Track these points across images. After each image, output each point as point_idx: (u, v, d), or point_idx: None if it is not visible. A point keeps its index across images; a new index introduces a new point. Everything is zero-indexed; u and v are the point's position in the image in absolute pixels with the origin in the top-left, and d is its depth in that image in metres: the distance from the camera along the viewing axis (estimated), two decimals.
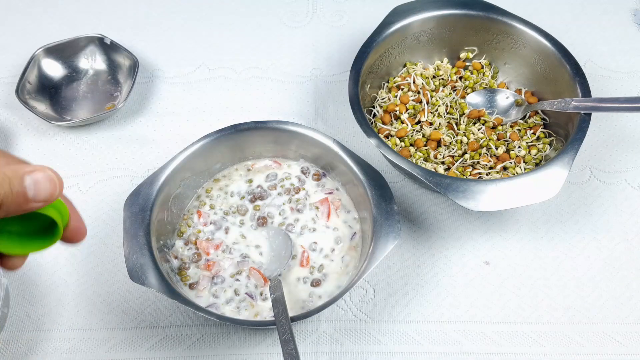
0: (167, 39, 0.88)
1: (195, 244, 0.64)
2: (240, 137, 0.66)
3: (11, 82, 0.81)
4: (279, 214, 0.66)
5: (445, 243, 0.68)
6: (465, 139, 0.70)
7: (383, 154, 0.63)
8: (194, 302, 0.56)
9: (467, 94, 0.75)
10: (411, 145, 0.71)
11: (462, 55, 0.79)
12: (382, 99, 0.75)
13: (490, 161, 0.69)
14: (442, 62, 0.79)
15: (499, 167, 0.68)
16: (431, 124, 0.72)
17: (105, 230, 0.69)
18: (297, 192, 0.68)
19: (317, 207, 0.66)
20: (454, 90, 0.76)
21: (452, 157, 0.70)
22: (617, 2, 0.92)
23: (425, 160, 0.69)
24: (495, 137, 0.71)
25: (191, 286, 0.61)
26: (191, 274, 0.62)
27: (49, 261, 0.66)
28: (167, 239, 0.63)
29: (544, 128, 0.72)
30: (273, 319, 0.56)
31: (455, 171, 0.68)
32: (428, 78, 0.77)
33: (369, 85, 0.73)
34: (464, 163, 0.69)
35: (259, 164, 0.70)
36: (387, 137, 0.72)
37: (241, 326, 0.61)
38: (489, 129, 0.72)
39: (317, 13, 0.91)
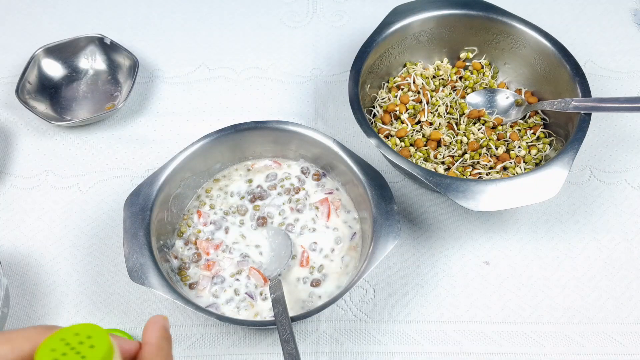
0: (167, 39, 0.88)
1: (195, 244, 0.64)
2: (240, 137, 0.66)
3: (11, 82, 0.81)
4: (279, 214, 0.66)
5: (445, 243, 0.68)
6: (465, 139, 0.70)
7: (383, 154, 0.63)
8: (194, 302, 0.56)
9: (467, 94, 0.75)
10: (411, 145, 0.71)
11: (462, 55, 0.79)
12: (382, 99, 0.75)
13: (490, 161, 0.69)
14: (442, 62, 0.79)
15: (499, 167, 0.68)
16: (431, 124, 0.72)
17: (105, 230, 0.69)
18: (297, 192, 0.68)
19: (317, 207, 0.66)
20: (454, 90, 0.76)
21: (452, 157, 0.70)
22: (617, 2, 0.92)
23: (425, 160, 0.69)
24: (495, 137, 0.71)
25: (191, 286, 0.61)
26: (191, 274, 0.62)
27: (49, 261, 0.66)
28: (167, 239, 0.63)
29: (544, 128, 0.72)
30: (273, 318, 0.56)
31: (455, 171, 0.68)
32: (428, 78, 0.77)
33: (369, 85, 0.73)
34: (464, 163, 0.69)
35: (258, 164, 0.70)
36: (387, 137, 0.72)
37: (241, 326, 0.61)
38: (489, 129, 0.72)
39: (317, 13, 0.91)
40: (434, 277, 0.65)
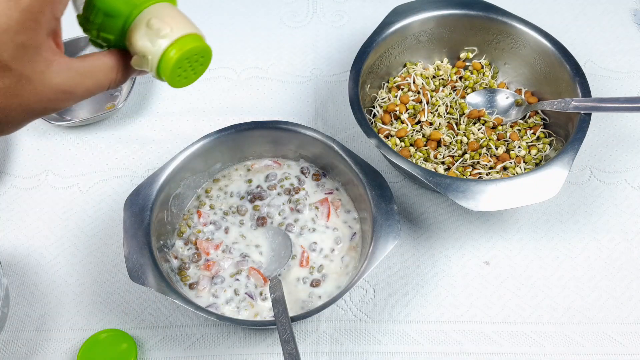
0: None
1: (195, 244, 0.64)
2: (240, 137, 0.66)
3: None
4: (279, 214, 0.66)
5: (445, 243, 0.68)
6: (465, 139, 0.70)
7: (383, 154, 0.63)
8: (194, 302, 0.56)
9: (467, 94, 0.75)
10: (411, 145, 0.71)
11: (462, 55, 0.79)
12: (382, 99, 0.75)
13: (490, 161, 0.69)
14: (442, 62, 0.79)
15: (499, 167, 0.68)
16: (431, 124, 0.72)
17: (105, 230, 0.69)
18: (296, 192, 0.68)
19: (316, 207, 0.66)
20: (454, 90, 0.76)
21: (452, 157, 0.70)
22: (617, 2, 0.92)
23: (425, 160, 0.69)
24: (495, 137, 0.71)
25: (191, 286, 0.61)
26: (191, 274, 0.62)
27: (49, 261, 0.67)
28: (167, 239, 0.63)
29: (544, 128, 0.72)
30: (273, 319, 0.56)
31: (455, 171, 0.68)
32: (428, 78, 0.77)
33: (369, 85, 0.73)
34: (464, 163, 0.69)
35: (258, 164, 0.70)
36: (387, 137, 0.72)
37: (241, 326, 0.61)
38: (489, 129, 0.72)
39: (317, 13, 0.91)
40: (434, 277, 0.65)
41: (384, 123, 0.73)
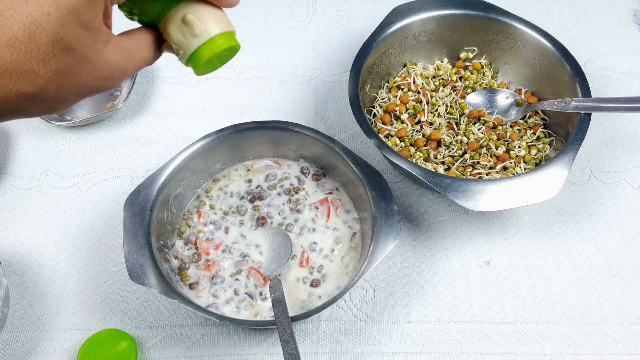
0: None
1: (195, 244, 0.64)
2: (240, 137, 0.66)
3: None
4: (279, 214, 0.66)
5: (445, 243, 0.68)
6: (465, 139, 0.70)
7: (383, 154, 0.63)
8: (194, 302, 0.56)
9: (467, 94, 0.75)
10: (411, 145, 0.71)
11: (462, 55, 0.79)
12: (382, 99, 0.75)
13: (490, 161, 0.69)
14: (442, 62, 0.79)
15: (499, 167, 0.68)
16: (431, 124, 0.72)
17: (105, 230, 0.69)
18: (296, 192, 0.68)
19: (316, 207, 0.66)
20: (454, 90, 0.76)
21: (452, 157, 0.70)
22: (617, 2, 0.92)
23: (425, 160, 0.69)
24: (495, 137, 0.71)
25: (191, 286, 0.61)
26: (191, 274, 0.62)
27: (49, 261, 0.67)
28: (167, 239, 0.63)
29: (544, 128, 0.72)
30: (273, 319, 0.56)
31: (455, 171, 0.68)
32: (428, 78, 0.77)
33: (369, 85, 0.73)
34: (464, 163, 0.69)
35: (258, 164, 0.70)
36: (387, 137, 0.72)
37: (241, 326, 0.61)
38: (489, 129, 0.72)
39: (317, 13, 0.91)
40: (434, 277, 0.65)
41: (384, 123, 0.73)
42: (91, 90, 0.36)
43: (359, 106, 0.65)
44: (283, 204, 0.67)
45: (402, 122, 0.73)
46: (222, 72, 0.83)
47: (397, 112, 0.73)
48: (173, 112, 0.79)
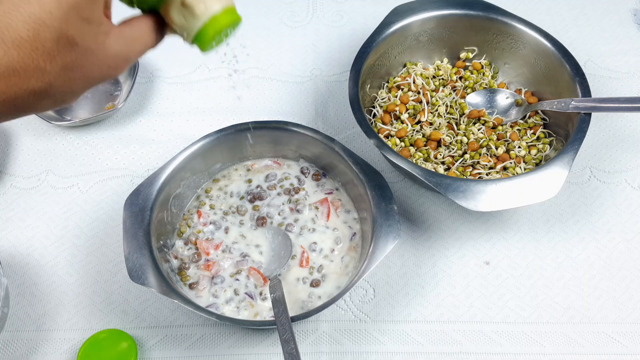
0: (167, 39, 0.87)
1: (195, 244, 0.64)
2: (240, 137, 0.66)
3: None
4: (279, 214, 0.66)
5: (445, 243, 0.68)
6: (465, 139, 0.70)
7: (383, 154, 0.63)
8: (194, 302, 0.56)
9: (467, 94, 0.75)
10: (411, 145, 0.71)
11: (462, 55, 0.79)
12: (382, 99, 0.75)
13: (490, 161, 0.69)
14: (442, 62, 0.79)
15: (499, 167, 0.68)
16: (431, 124, 0.72)
17: (105, 230, 0.69)
18: (296, 192, 0.68)
19: (316, 207, 0.66)
20: (454, 90, 0.76)
21: (452, 157, 0.70)
22: (617, 2, 0.92)
23: (425, 160, 0.69)
24: (495, 137, 0.71)
25: (191, 286, 0.61)
26: (191, 274, 0.62)
27: (49, 261, 0.67)
28: (167, 239, 0.63)
29: (544, 128, 0.72)
30: (273, 319, 0.56)
31: (455, 171, 0.68)
32: (428, 78, 0.77)
33: (369, 85, 0.73)
34: (464, 163, 0.69)
35: (258, 164, 0.70)
36: (387, 137, 0.72)
37: (241, 326, 0.61)
38: (489, 129, 0.72)
39: (317, 13, 0.91)
40: (434, 277, 0.65)
41: (384, 123, 0.73)
42: (97, 80, 0.37)
43: (359, 106, 0.65)
44: (283, 204, 0.67)
45: (402, 122, 0.73)
46: (222, 72, 0.83)
47: (397, 112, 0.73)
48: (173, 112, 0.79)
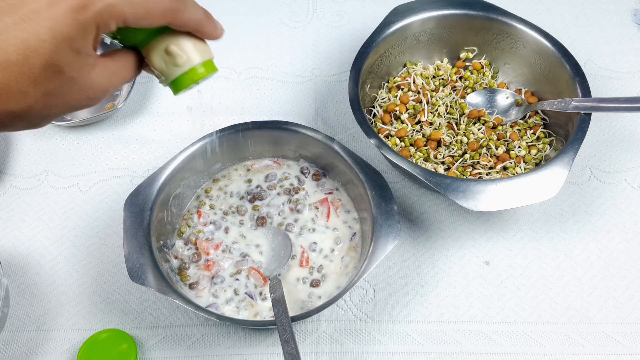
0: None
1: (195, 244, 0.64)
2: (240, 137, 0.66)
3: None
4: (278, 214, 0.66)
5: (445, 243, 0.68)
6: (465, 139, 0.70)
7: (383, 154, 0.63)
8: (194, 302, 0.56)
9: (467, 94, 0.75)
10: (411, 145, 0.71)
11: (462, 55, 0.79)
12: (382, 99, 0.75)
13: (490, 161, 0.69)
14: (442, 62, 0.79)
15: (499, 167, 0.68)
16: (431, 124, 0.72)
17: (105, 230, 0.69)
18: (296, 192, 0.68)
19: (316, 207, 0.66)
20: (454, 90, 0.76)
21: (452, 157, 0.70)
22: (617, 2, 0.92)
23: (425, 160, 0.69)
24: (495, 137, 0.71)
25: (191, 286, 0.61)
26: (191, 274, 0.62)
27: (49, 261, 0.67)
28: (167, 239, 0.63)
29: (544, 128, 0.72)
30: (273, 318, 0.56)
31: (455, 171, 0.68)
32: (428, 78, 0.77)
33: (369, 85, 0.73)
34: (464, 163, 0.69)
35: (258, 164, 0.70)
36: (387, 137, 0.72)
37: (241, 326, 0.61)
38: (489, 129, 0.72)
39: (317, 13, 0.91)
40: (434, 277, 0.65)
41: (384, 123, 0.73)
42: (74, 108, 0.38)
43: (359, 106, 0.65)
44: (283, 204, 0.67)
45: (402, 122, 0.73)
46: (222, 72, 0.83)
47: (397, 112, 0.73)
48: (173, 112, 0.79)
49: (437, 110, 0.73)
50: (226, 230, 0.65)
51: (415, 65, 0.78)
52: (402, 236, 0.68)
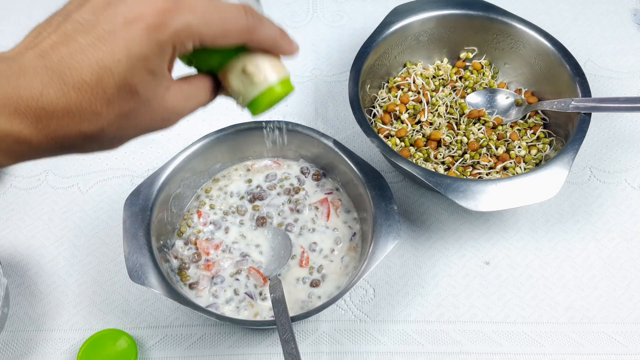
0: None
1: (195, 244, 0.64)
2: (240, 137, 0.66)
3: None
4: (278, 214, 0.66)
5: (445, 243, 0.68)
6: (465, 139, 0.70)
7: (383, 154, 0.63)
8: (194, 302, 0.56)
9: (467, 94, 0.75)
10: (411, 145, 0.71)
11: (462, 55, 0.79)
12: (382, 99, 0.75)
13: (490, 161, 0.69)
14: (442, 62, 0.79)
15: (499, 167, 0.68)
16: (431, 124, 0.72)
17: (105, 230, 0.69)
18: (296, 192, 0.68)
19: (316, 207, 0.66)
20: (454, 90, 0.76)
21: (452, 157, 0.70)
22: (617, 2, 0.92)
23: (425, 160, 0.69)
24: (495, 137, 0.71)
25: (191, 286, 0.61)
26: (191, 274, 0.62)
27: (49, 261, 0.67)
28: (167, 239, 0.63)
29: (544, 128, 0.72)
30: (273, 318, 0.56)
31: (455, 171, 0.68)
32: (428, 78, 0.77)
33: (369, 85, 0.73)
34: (464, 163, 0.69)
35: (258, 164, 0.70)
36: (387, 137, 0.72)
37: (241, 326, 0.61)
38: (489, 129, 0.72)
39: (317, 13, 0.91)
40: (434, 277, 0.65)
41: (384, 123, 0.73)
42: (147, 131, 0.37)
43: (359, 106, 0.65)
44: (283, 204, 0.67)
45: (402, 122, 0.73)
46: None
47: (397, 112, 0.73)
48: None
49: (437, 110, 0.73)
50: (226, 230, 0.65)
51: (415, 65, 0.78)
52: (402, 236, 0.68)
